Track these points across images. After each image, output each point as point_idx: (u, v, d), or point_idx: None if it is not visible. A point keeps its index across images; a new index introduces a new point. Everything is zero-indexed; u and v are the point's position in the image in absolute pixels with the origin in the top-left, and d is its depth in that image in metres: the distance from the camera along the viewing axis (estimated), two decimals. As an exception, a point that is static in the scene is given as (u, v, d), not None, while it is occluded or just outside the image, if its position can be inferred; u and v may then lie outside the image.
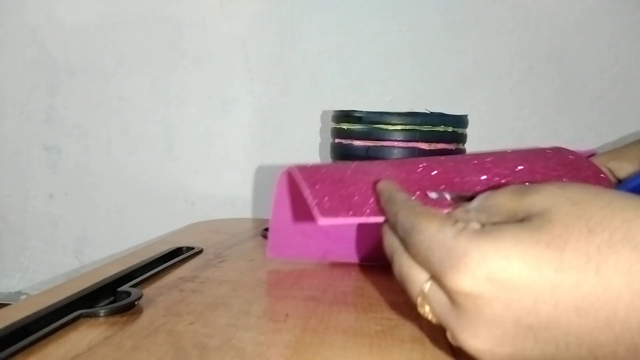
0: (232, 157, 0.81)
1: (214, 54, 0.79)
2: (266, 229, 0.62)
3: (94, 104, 0.81)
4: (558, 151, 0.39)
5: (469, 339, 0.24)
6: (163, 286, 0.40)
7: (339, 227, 0.43)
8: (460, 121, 0.54)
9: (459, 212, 0.28)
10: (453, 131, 0.53)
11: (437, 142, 0.52)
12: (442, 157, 0.39)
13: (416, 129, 0.51)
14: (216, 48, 0.79)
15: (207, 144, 0.81)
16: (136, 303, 0.35)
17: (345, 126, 0.54)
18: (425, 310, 0.26)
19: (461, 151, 0.55)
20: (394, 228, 0.29)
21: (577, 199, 0.23)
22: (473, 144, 0.57)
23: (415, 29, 0.77)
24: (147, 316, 0.34)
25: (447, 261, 0.24)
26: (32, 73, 0.81)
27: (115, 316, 0.33)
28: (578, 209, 0.23)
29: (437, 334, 0.32)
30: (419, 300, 0.27)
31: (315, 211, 0.32)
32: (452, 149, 0.53)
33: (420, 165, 0.36)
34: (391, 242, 0.29)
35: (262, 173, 0.81)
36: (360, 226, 0.43)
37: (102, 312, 0.33)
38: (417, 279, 0.26)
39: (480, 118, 0.71)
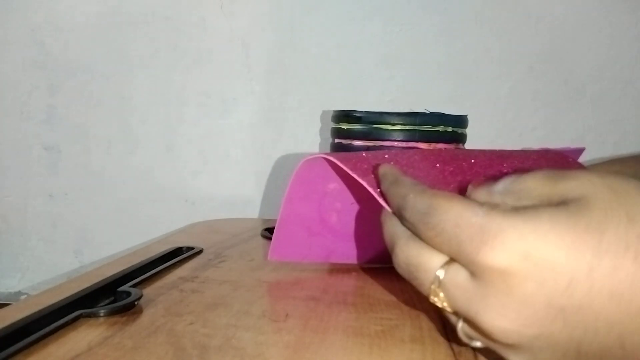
0: (232, 157, 0.81)
1: (214, 54, 0.80)
2: (266, 229, 0.62)
3: (94, 104, 0.81)
4: (546, 153, 0.39)
5: (496, 318, 0.23)
6: (163, 286, 0.40)
7: (347, 225, 0.43)
8: (460, 121, 0.54)
9: (482, 193, 0.27)
10: (453, 131, 0.53)
11: (437, 142, 0.52)
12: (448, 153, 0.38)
13: (416, 129, 0.51)
14: (216, 48, 0.79)
15: (207, 144, 0.81)
16: (136, 303, 0.35)
17: (345, 126, 0.54)
18: (439, 297, 0.25)
19: (461, 151, 0.55)
20: (399, 212, 0.27)
21: (617, 187, 0.23)
22: (473, 144, 0.57)
23: (415, 29, 0.77)
24: (147, 316, 0.34)
25: (480, 237, 0.22)
26: (32, 73, 0.81)
27: (115, 316, 0.33)
28: (618, 196, 0.22)
29: (437, 334, 0.32)
30: (432, 287, 0.25)
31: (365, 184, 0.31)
32: (452, 149, 0.53)
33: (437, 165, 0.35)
34: (394, 229, 0.28)
35: (262, 173, 0.81)
36: (369, 226, 0.43)
37: (102, 312, 0.33)
38: (430, 265, 0.25)
39: (480, 118, 0.71)
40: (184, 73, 0.80)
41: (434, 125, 0.52)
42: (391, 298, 0.39)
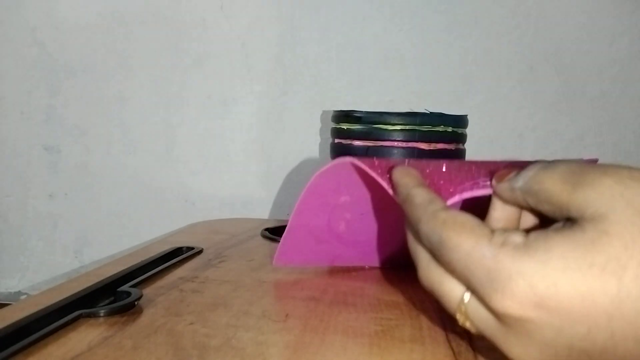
0: (232, 157, 0.81)
1: (214, 54, 0.80)
2: (266, 229, 0.62)
3: (94, 104, 0.81)
4: None
5: (520, 355, 0.23)
6: (163, 286, 0.40)
7: (355, 232, 0.42)
8: (460, 121, 0.54)
9: (504, 188, 0.26)
10: (453, 131, 0.53)
11: (437, 142, 0.52)
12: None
13: (416, 129, 0.51)
14: (216, 48, 0.79)
15: (207, 144, 0.81)
16: (136, 303, 0.35)
17: (345, 126, 0.54)
18: (467, 326, 0.25)
19: (461, 151, 0.55)
20: (415, 234, 0.27)
21: (638, 204, 0.20)
22: (473, 144, 0.58)
23: (415, 29, 0.77)
24: (147, 316, 0.34)
25: (490, 284, 0.22)
26: (32, 73, 0.81)
27: (115, 316, 0.33)
28: None
29: (437, 334, 0.32)
30: (457, 316, 0.25)
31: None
32: (452, 149, 0.53)
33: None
34: (415, 249, 0.27)
35: (261, 173, 0.81)
36: (380, 231, 0.43)
37: (102, 312, 0.33)
38: (453, 295, 0.25)
39: (480, 118, 0.71)
40: (184, 73, 0.80)
41: (434, 125, 0.52)
42: (391, 298, 0.39)
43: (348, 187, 0.38)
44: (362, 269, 0.46)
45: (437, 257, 0.25)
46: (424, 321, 0.34)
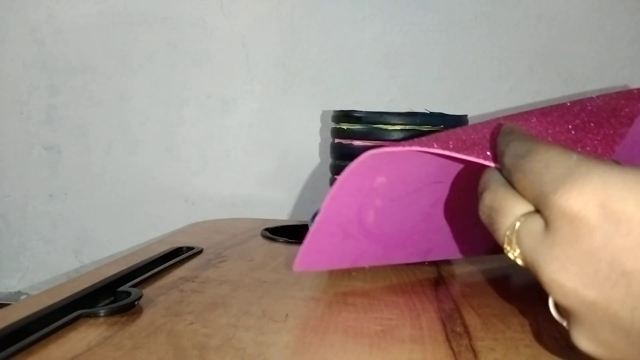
0: (232, 157, 0.81)
1: (214, 54, 0.80)
2: (266, 229, 0.63)
3: (94, 104, 0.81)
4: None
5: (556, 271, 0.22)
6: (163, 286, 0.40)
7: (382, 223, 0.41)
8: (460, 121, 0.54)
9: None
10: (453, 131, 0.53)
11: (437, 142, 0.52)
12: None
13: (416, 129, 0.51)
14: (216, 48, 0.79)
15: (207, 144, 0.81)
16: (136, 303, 0.35)
17: (345, 126, 0.54)
18: (512, 245, 0.24)
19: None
20: (500, 159, 0.27)
21: None
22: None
23: (415, 29, 0.77)
24: (147, 316, 0.34)
25: (563, 178, 0.22)
26: (32, 73, 0.81)
27: (115, 316, 0.33)
28: None
29: (437, 334, 0.32)
30: (507, 233, 0.25)
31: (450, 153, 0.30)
32: (452, 149, 0.53)
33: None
34: (490, 176, 0.28)
35: (262, 173, 0.81)
36: (404, 221, 0.42)
37: (102, 312, 0.33)
38: (512, 211, 0.25)
39: (480, 118, 0.71)
40: (184, 73, 0.80)
41: (434, 125, 0.52)
42: (391, 298, 0.39)
43: (389, 166, 0.37)
44: (363, 269, 0.46)
45: (513, 170, 0.25)
46: (424, 321, 0.34)
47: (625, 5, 0.74)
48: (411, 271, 0.46)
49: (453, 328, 0.33)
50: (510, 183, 0.26)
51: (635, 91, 0.39)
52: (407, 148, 0.33)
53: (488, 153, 0.30)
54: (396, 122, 0.51)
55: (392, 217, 0.41)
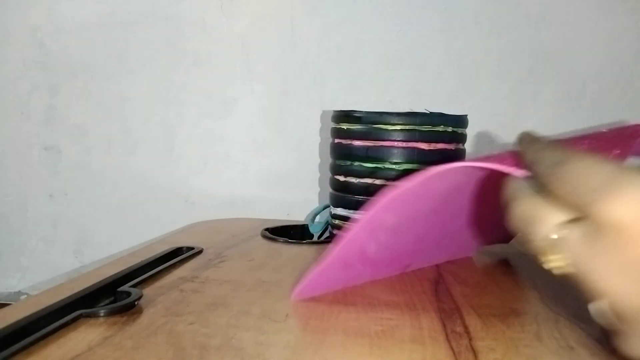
0: (232, 157, 0.81)
1: (214, 54, 0.80)
2: (266, 229, 0.63)
3: (94, 104, 0.81)
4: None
5: (602, 279, 0.22)
6: (163, 286, 0.40)
7: (381, 251, 0.41)
8: (460, 121, 0.54)
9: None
10: (453, 131, 0.53)
11: (437, 142, 0.52)
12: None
13: (416, 129, 0.51)
14: (216, 48, 0.79)
15: (207, 144, 0.81)
16: (136, 303, 0.35)
17: (345, 126, 0.54)
18: (549, 254, 0.25)
19: (461, 151, 0.55)
20: (532, 167, 0.27)
21: None
22: (473, 144, 0.58)
23: (415, 29, 0.77)
24: (147, 316, 0.34)
25: (607, 186, 0.22)
26: (32, 73, 0.81)
27: (115, 316, 0.33)
28: None
29: (437, 334, 0.32)
30: (544, 242, 0.25)
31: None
32: (451, 149, 0.53)
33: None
34: (519, 185, 0.27)
35: (262, 173, 0.81)
36: (396, 248, 0.42)
37: (102, 312, 0.33)
38: (546, 219, 0.25)
39: (480, 118, 0.71)
40: (184, 73, 0.80)
41: (434, 125, 0.52)
42: (391, 298, 0.39)
43: (401, 205, 0.36)
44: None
45: (550, 178, 0.25)
46: (424, 321, 0.34)
47: (625, 5, 0.74)
48: (411, 271, 0.46)
49: (453, 328, 0.33)
50: (544, 192, 0.26)
51: None
52: (426, 174, 0.32)
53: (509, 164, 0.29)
54: (396, 122, 0.51)
55: (391, 246, 0.42)
